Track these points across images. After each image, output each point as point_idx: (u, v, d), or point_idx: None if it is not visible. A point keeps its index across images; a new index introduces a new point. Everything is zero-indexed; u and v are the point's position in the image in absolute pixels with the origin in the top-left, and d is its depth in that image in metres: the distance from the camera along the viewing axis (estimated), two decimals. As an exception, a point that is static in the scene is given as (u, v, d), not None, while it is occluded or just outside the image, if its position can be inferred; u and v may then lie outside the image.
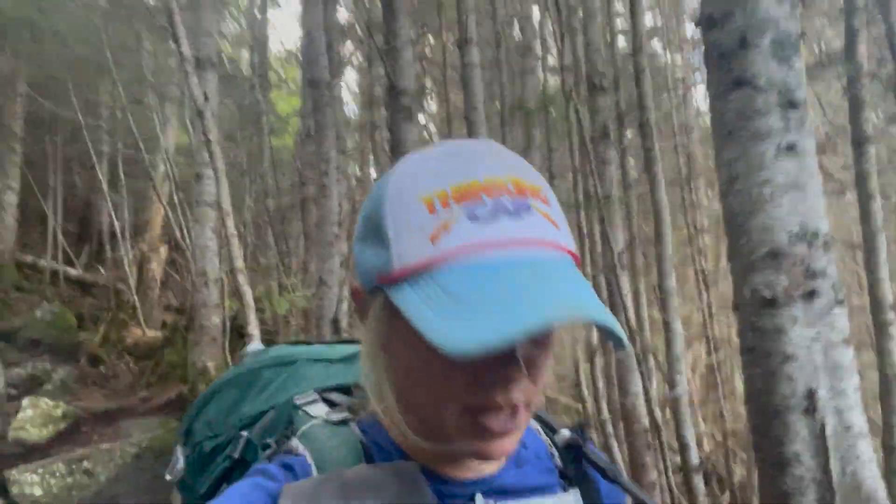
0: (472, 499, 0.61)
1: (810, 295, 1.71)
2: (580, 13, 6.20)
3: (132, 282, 10.17)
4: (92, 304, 11.18)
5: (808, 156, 1.79)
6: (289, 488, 0.55)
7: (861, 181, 3.51)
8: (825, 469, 1.62)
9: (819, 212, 1.78)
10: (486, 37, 8.77)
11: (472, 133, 3.80)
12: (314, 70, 6.08)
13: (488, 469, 0.64)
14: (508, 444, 0.57)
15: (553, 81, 10.07)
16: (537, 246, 0.53)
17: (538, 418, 0.73)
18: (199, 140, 6.22)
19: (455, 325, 0.48)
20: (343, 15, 8.76)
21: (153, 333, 9.35)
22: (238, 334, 7.01)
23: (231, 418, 0.79)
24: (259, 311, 8.53)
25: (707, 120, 8.40)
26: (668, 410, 6.26)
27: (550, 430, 0.73)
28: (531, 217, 0.54)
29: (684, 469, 4.70)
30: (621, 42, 8.97)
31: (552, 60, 8.92)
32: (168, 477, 0.84)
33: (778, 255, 1.74)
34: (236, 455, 0.74)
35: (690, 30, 11.18)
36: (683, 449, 4.54)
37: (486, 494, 0.62)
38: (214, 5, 8.08)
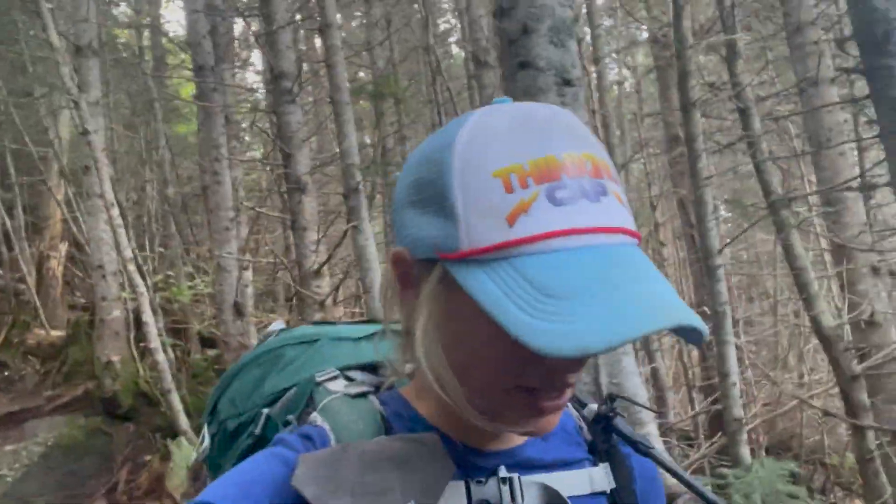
0: (495, 471, 0.60)
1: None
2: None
3: (32, 282, 9.82)
4: (-10, 308, 10.69)
5: (581, 125, 2.12)
6: (306, 457, 0.55)
7: (690, 142, 3.96)
8: (596, 382, 1.98)
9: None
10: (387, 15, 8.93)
11: (337, 114, 4.00)
12: (198, 55, 6.07)
13: (513, 441, 0.63)
14: (556, 420, 0.57)
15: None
16: (615, 233, 0.52)
17: None
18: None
19: (548, 324, 0.46)
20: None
21: (57, 333, 9.10)
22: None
23: (254, 396, 0.79)
24: (169, 301, 8.48)
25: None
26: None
27: (579, 404, 0.72)
28: (608, 201, 0.52)
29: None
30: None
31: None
32: (194, 455, 0.86)
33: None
34: (258, 432, 0.75)
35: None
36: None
37: (509, 467, 0.60)
38: (93, -10, 7.80)
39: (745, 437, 3.75)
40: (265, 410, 0.75)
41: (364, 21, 10.85)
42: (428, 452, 0.56)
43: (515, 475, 0.59)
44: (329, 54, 3.97)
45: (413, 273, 0.58)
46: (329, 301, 4.93)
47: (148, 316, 4.67)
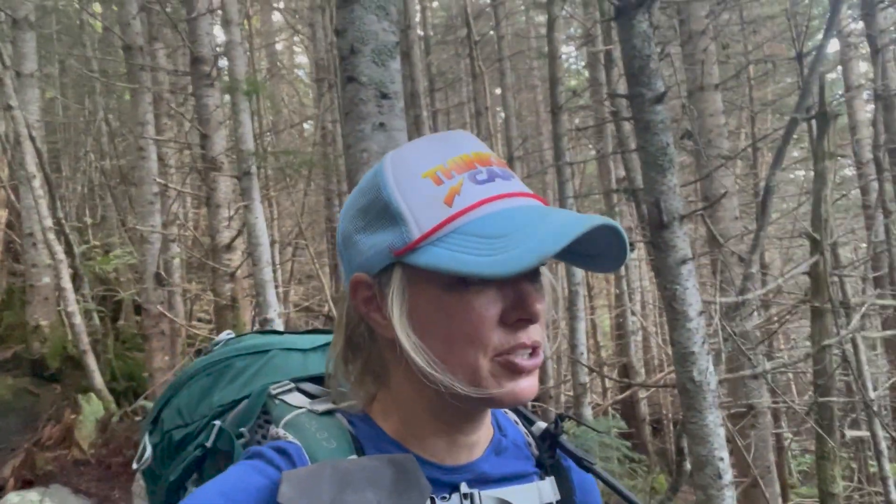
0: (457, 487, 0.64)
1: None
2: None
3: (-32, 248, 9.93)
4: (-74, 273, 10.73)
5: (395, 131, 2.58)
6: (289, 474, 0.57)
7: (556, 140, 4.48)
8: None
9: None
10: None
11: (234, 104, 4.39)
12: (126, 35, 6.33)
13: (471, 456, 0.67)
14: (534, 384, 0.62)
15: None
16: (530, 198, 0.63)
17: (517, 412, 0.78)
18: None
19: (500, 255, 0.55)
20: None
21: (-6, 298, 9.28)
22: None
23: (201, 407, 0.78)
24: (107, 271, 8.74)
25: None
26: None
27: (528, 421, 0.77)
28: (515, 179, 0.64)
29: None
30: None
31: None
32: (135, 465, 0.83)
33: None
34: (209, 444, 0.74)
35: None
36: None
37: (468, 482, 0.64)
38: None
39: (587, 398, 4.33)
40: (217, 422, 0.75)
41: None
42: (405, 474, 0.59)
43: (476, 491, 0.63)
44: (228, 48, 4.34)
45: (375, 292, 0.63)
46: (239, 273, 5.34)
47: (66, 282, 5.01)
